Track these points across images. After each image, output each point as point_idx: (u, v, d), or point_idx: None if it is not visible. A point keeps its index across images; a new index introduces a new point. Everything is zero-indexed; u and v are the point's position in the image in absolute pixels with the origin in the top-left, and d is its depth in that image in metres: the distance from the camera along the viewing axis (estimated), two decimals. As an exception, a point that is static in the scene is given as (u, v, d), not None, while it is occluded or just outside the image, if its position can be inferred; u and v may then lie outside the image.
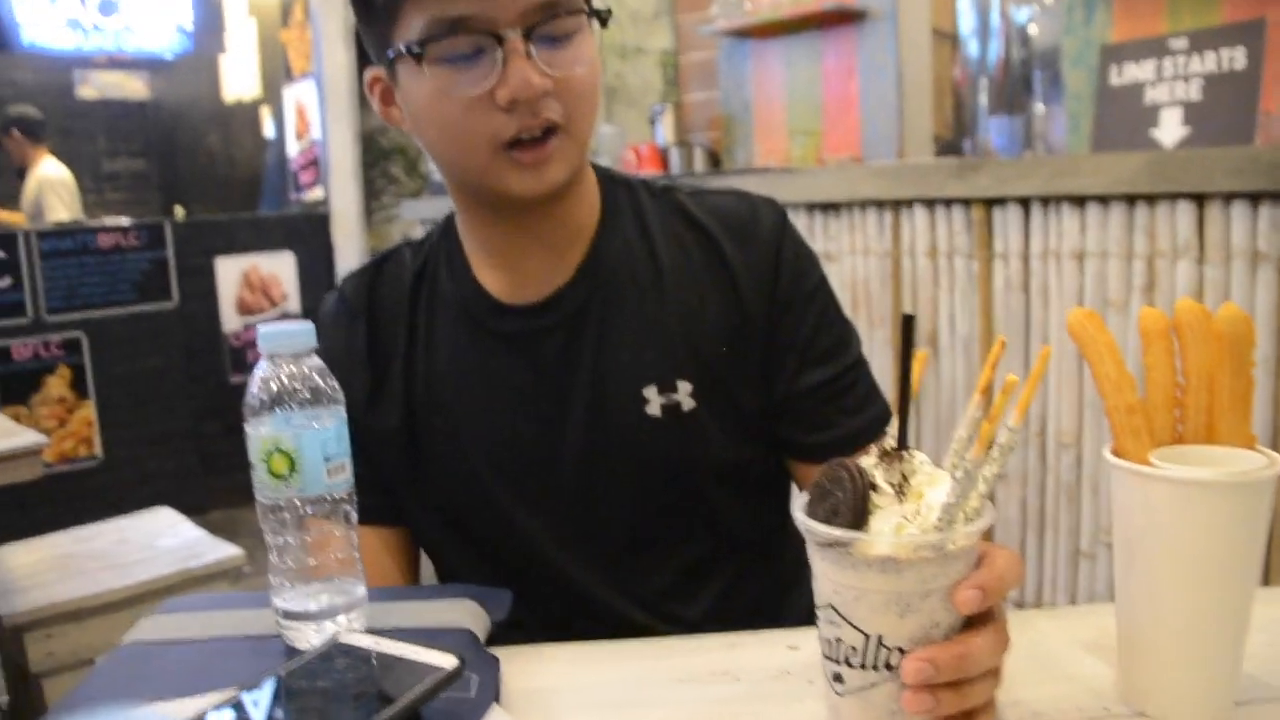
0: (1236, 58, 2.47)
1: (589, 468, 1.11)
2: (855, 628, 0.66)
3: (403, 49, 0.98)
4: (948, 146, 4.43)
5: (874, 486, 0.67)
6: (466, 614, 0.91)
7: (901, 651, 0.65)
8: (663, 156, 4.70)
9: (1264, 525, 0.71)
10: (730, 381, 1.12)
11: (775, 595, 1.21)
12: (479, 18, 0.95)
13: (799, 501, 0.70)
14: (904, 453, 0.69)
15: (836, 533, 0.65)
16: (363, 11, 1.04)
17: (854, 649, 0.66)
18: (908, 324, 0.71)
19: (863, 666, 0.66)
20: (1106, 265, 2.36)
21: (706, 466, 1.12)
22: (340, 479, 0.88)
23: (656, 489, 1.12)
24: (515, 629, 0.97)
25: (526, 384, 1.12)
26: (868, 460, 0.69)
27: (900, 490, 0.67)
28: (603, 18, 1.04)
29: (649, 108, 5.00)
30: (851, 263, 2.80)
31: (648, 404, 1.10)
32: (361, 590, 0.90)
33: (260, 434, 0.86)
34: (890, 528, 0.65)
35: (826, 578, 0.67)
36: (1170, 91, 2.57)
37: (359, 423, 1.06)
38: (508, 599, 0.97)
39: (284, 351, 0.87)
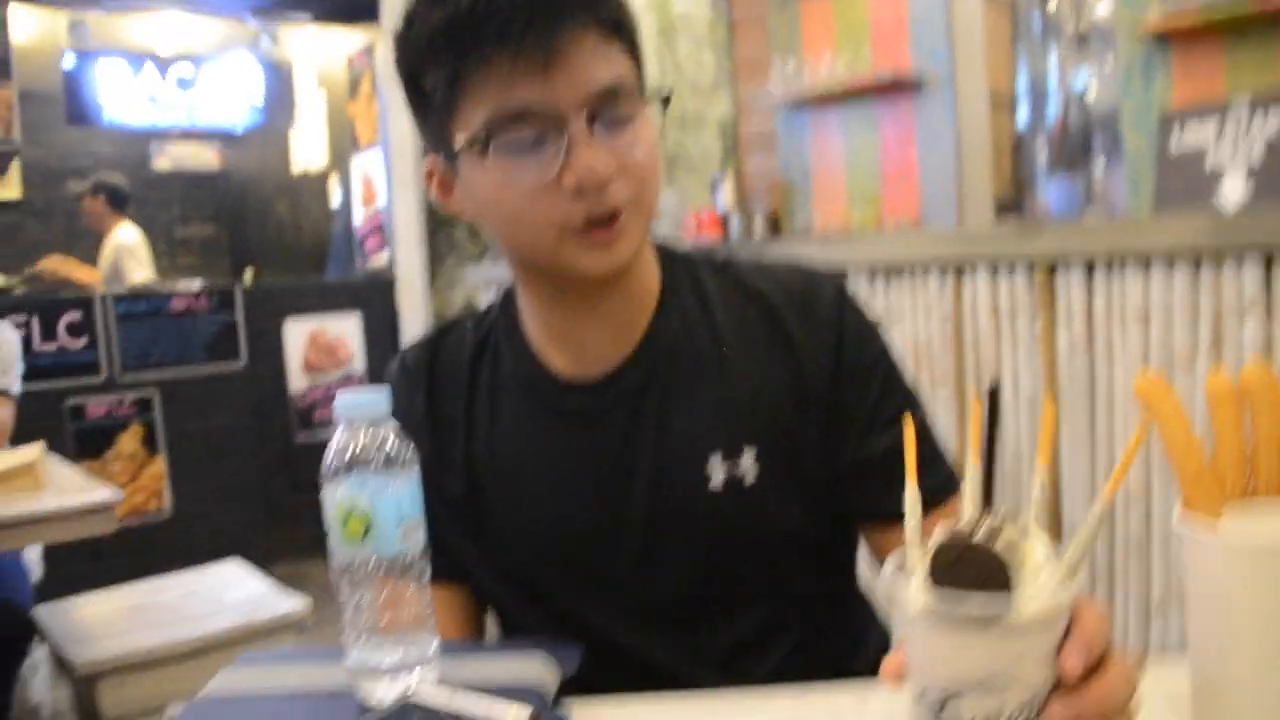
0: (1300, 118, 2.44)
1: (651, 543, 1.11)
2: (1011, 694, 0.64)
3: (464, 142, 1.00)
4: (1007, 208, 4.41)
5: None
6: (537, 668, 0.91)
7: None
8: (723, 222, 4.74)
9: None
10: (794, 451, 1.11)
11: (846, 649, 1.20)
12: (542, 106, 0.96)
13: (919, 594, 0.66)
14: (1003, 517, 0.68)
15: (998, 606, 0.62)
16: (418, 104, 1.05)
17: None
18: (994, 397, 0.70)
19: None
20: (1172, 325, 2.33)
21: (770, 539, 1.11)
22: (414, 539, 0.89)
23: (719, 562, 1.11)
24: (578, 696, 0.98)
25: (589, 461, 1.12)
26: (981, 530, 0.66)
27: (1017, 553, 0.65)
28: (664, 101, 1.05)
29: (709, 175, 5.04)
30: (914, 324, 2.78)
31: (710, 479, 1.09)
32: (434, 645, 0.91)
33: (337, 498, 0.87)
34: (1039, 586, 0.64)
35: (968, 657, 0.64)
36: (1232, 154, 2.55)
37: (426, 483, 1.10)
38: (578, 654, 0.97)
39: (360, 418, 0.89)
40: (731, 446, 1.09)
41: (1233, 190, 2.53)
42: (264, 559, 4.47)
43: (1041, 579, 0.64)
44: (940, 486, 1.12)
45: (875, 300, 2.83)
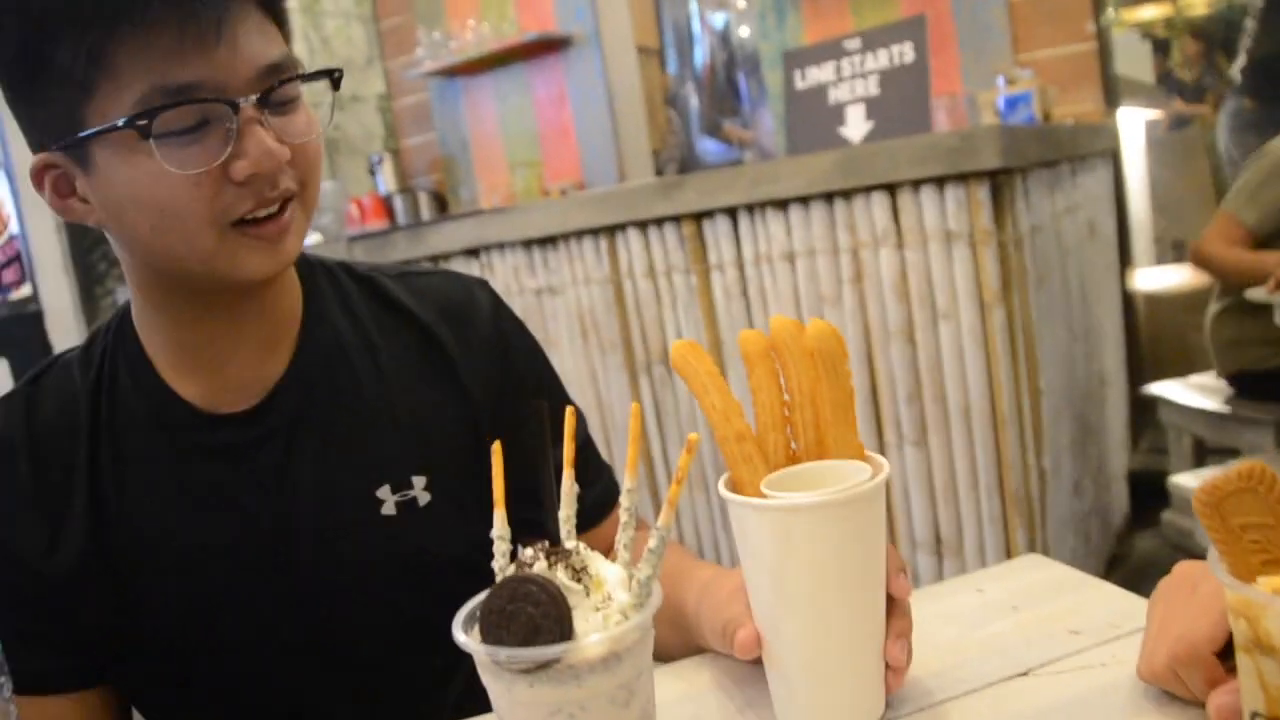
0: (905, 52, 2.60)
1: (324, 585, 1.02)
2: None
3: (119, 124, 0.84)
4: (668, 160, 4.52)
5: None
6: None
7: None
8: (387, 205, 4.63)
9: (876, 534, 0.72)
10: (466, 471, 1.06)
11: None
12: (208, 85, 0.85)
13: (469, 637, 0.62)
14: (567, 546, 0.65)
15: (551, 651, 0.58)
16: (34, 84, 0.88)
17: None
18: (539, 413, 0.68)
19: None
20: (815, 262, 2.45)
21: (448, 560, 1.05)
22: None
23: (398, 596, 1.04)
24: None
25: (243, 502, 1.01)
26: (539, 565, 0.63)
27: (581, 582, 0.62)
28: (335, 79, 0.97)
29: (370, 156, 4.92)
30: (575, 293, 2.81)
31: (382, 505, 1.03)
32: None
33: None
34: (597, 623, 0.60)
35: (539, 705, 0.60)
36: (851, 90, 2.69)
37: (39, 575, 0.97)
38: None
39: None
40: (400, 477, 1.04)
41: (855, 125, 2.67)
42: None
43: (608, 610, 0.61)
44: (607, 489, 1.15)
45: (536, 274, 2.84)
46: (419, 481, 1.04)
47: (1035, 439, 2.42)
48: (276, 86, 0.89)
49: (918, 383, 2.40)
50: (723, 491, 0.74)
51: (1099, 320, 3.30)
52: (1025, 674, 0.78)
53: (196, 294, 0.97)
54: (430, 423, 1.06)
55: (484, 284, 1.16)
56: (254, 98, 0.87)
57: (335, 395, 1.04)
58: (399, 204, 4.63)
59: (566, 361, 2.87)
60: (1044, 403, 2.46)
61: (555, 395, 1.15)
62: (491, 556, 1.01)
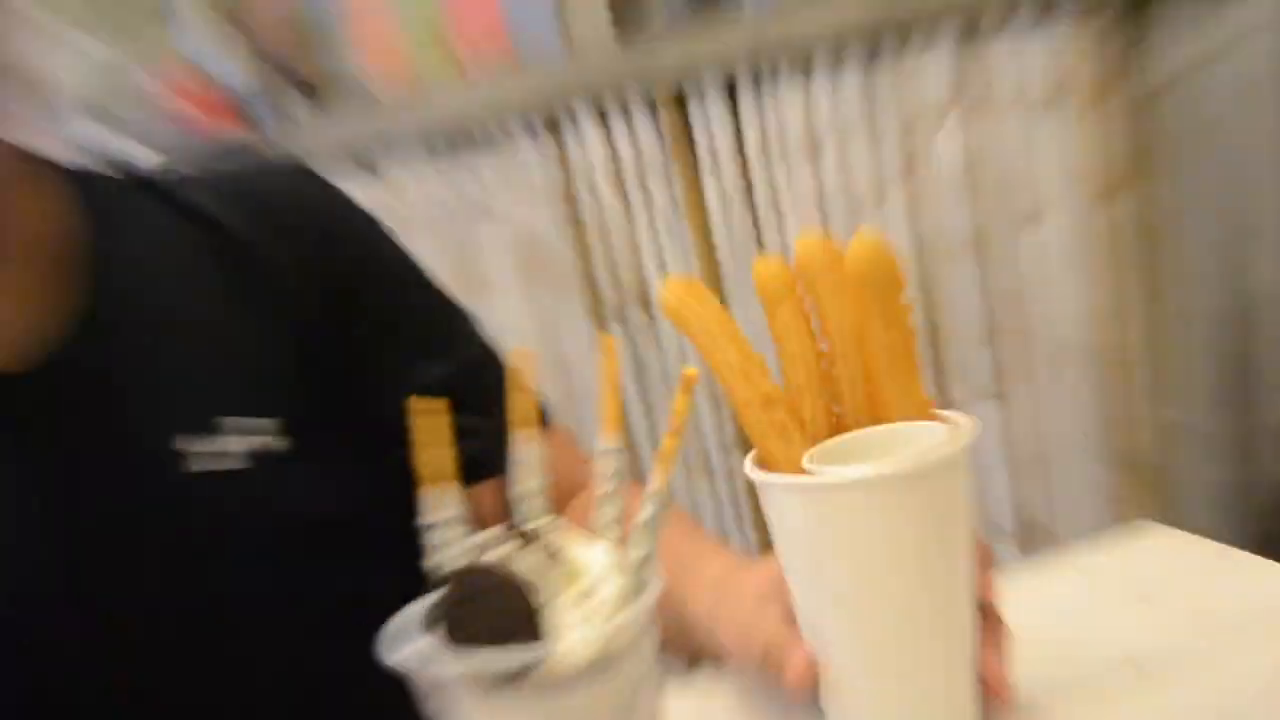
0: None
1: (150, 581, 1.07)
2: None
3: None
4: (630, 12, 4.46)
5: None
6: None
7: None
8: (226, 95, 4.53)
9: (959, 512, 0.74)
10: (319, 415, 1.14)
11: None
12: None
13: (409, 652, 0.63)
14: (534, 525, 0.68)
15: (521, 659, 0.60)
16: None
17: None
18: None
19: None
20: (847, 144, 2.46)
21: (305, 524, 1.12)
22: None
23: (252, 574, 1.09)
24: None
25: (15, 492, 1.06)
26: (502, 549, 0.66)
27: (556, 571, 0.65)
28: None
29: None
30: (515, 214, 2.72)
31: (185, 459, 1.07)
32: None
33: None
34: (582, 618, 0.63)
35: None
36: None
37: None
38: None
39: None
40: (227, 417, 1.10)
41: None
42: None
43: (592, 605, 0.64)
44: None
45: (468, 190, 2.78)
46: (261, 425, 1.10)
47: (1162, 382, 2.43)
48: None
49: (993, 314, 2.40)
50: (752, 471, 0.76)
51: (1257, 217, 3.25)
52: (1142, 669, 0.85)
53: None
54: (258, 355, 1.14)
55: (305, 171, 1.26)
56: None
57: (138, 347, 1.10)
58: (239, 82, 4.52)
59: (509, 310, 2.82)
60: (1175, 332, 2.44)
61: (425, 295, 1.26)
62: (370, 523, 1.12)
